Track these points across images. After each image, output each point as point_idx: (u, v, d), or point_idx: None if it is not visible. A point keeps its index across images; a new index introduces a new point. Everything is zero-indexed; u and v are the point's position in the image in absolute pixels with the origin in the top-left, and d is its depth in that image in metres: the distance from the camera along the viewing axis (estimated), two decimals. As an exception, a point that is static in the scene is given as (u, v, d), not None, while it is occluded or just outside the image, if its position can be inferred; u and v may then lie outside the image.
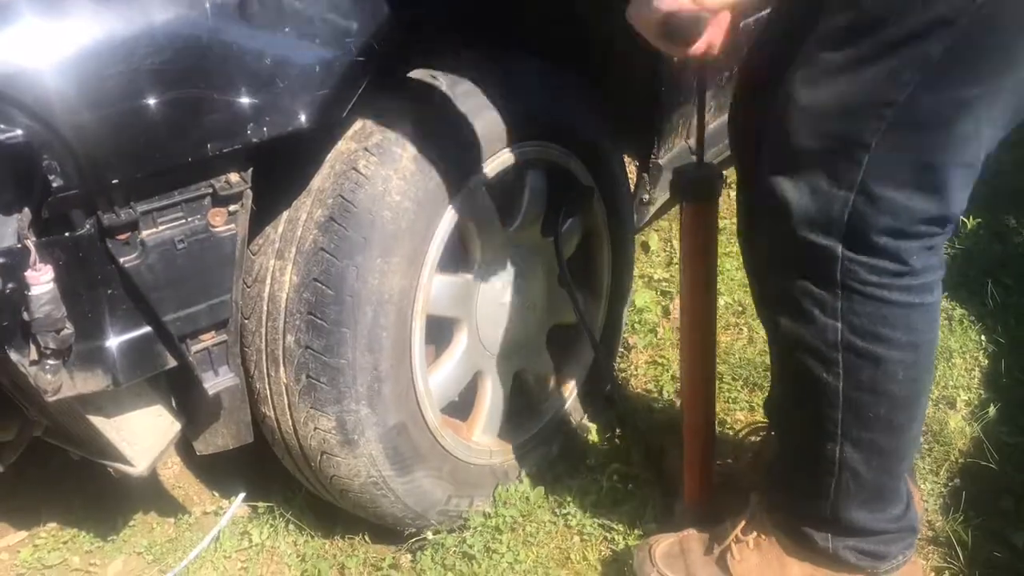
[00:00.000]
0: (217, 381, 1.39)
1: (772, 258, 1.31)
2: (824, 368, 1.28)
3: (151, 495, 1.97)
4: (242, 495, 1.84)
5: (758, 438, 1.82)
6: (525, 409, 1.97)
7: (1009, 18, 1.09)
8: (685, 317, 1.56)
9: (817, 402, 1.31)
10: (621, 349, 2.31)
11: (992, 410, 2.00)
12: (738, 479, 1.69)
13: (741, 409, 2.10)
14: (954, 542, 1.66)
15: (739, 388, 2.16)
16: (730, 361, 2.27)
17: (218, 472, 2.01)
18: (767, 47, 1.44)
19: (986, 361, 2.21)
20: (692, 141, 2.11)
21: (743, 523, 1.49)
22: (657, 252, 2.80)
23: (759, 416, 2.03)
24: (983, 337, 2.29)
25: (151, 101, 1.16)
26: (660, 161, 2.07)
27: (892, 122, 1.14)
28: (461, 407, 1.85)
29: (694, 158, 2.34)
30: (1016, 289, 2.49)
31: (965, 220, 2.90)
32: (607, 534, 1.77)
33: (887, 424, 1.31)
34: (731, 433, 1.98)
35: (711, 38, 1.18)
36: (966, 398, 2.07)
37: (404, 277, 1.50)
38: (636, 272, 2.39)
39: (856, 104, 1.15)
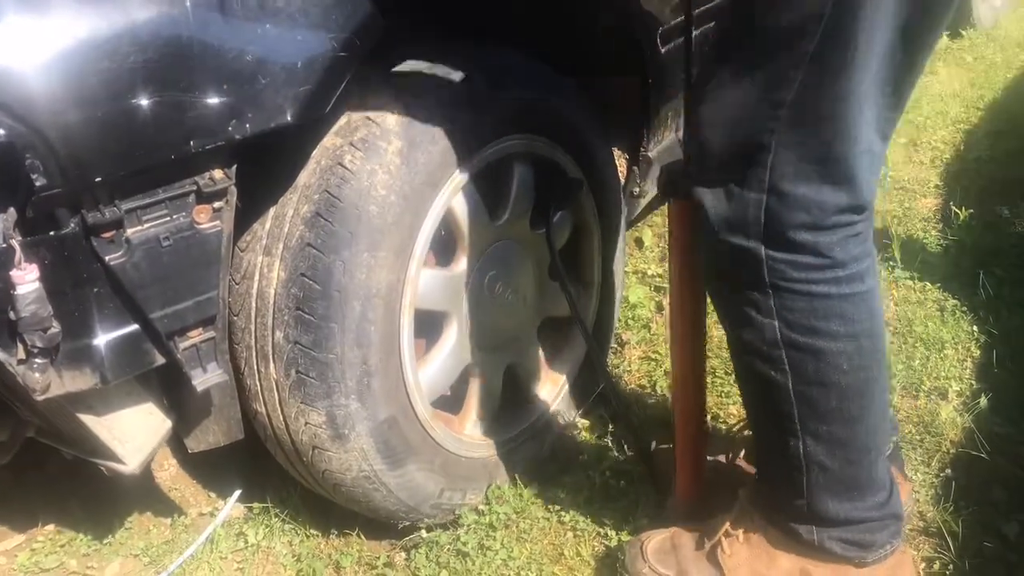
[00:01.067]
0: (206, 378, 1.39)
1: (707, 266, 1.35)
2: (770, 366, 1.31)
3: (147, 497, 1.97)
4: (236, 495, 1.84)
5: (750, 433, 1.81)
6: (516, 403, 1.97)
7: (862, 5, 1.12)
8: (675, 313, 1.57)
9: (772, 400, 1.34)
10: (614, 345, 2.32)
11: (983, 401, 2.00)
12: (730, 474, 1.70)
13: (735, 403, 2.11)
14: (945, 533, 1.66)
15: (731, 382, 2.17)
16: (722, 355, 2.27)
17: (213, 474, 2.02)
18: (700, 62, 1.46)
19: (978, 352, 2.21)
20: (681, 134, 2.12)
21: (732, 518, 1.50)
22: (651, 248, 2.80)
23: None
24: (975, 328, 2.30)
25: (134, 99, 1.17)
26: (650, 154, 2.07)
27: (787, 121, 1.17)
28: (452, 401, 1.85)
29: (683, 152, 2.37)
30: (1008, 280, 2.50)
31: (957, 211, 2.91)
32: (600, 530, 1.78)
33: (841, 415, 1.32)
34: (723, 428, 1.98)
35: None
36: (958, 389, 2.07)
37: (391, 271, 1.50)
38: (630, 268, 2.40)
39: (751, 109, 1.19)
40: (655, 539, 1.58)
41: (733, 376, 2.17)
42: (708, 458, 1.69)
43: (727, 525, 1.50)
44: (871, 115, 1.20)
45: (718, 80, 1.22)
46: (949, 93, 4.22)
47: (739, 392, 1.51)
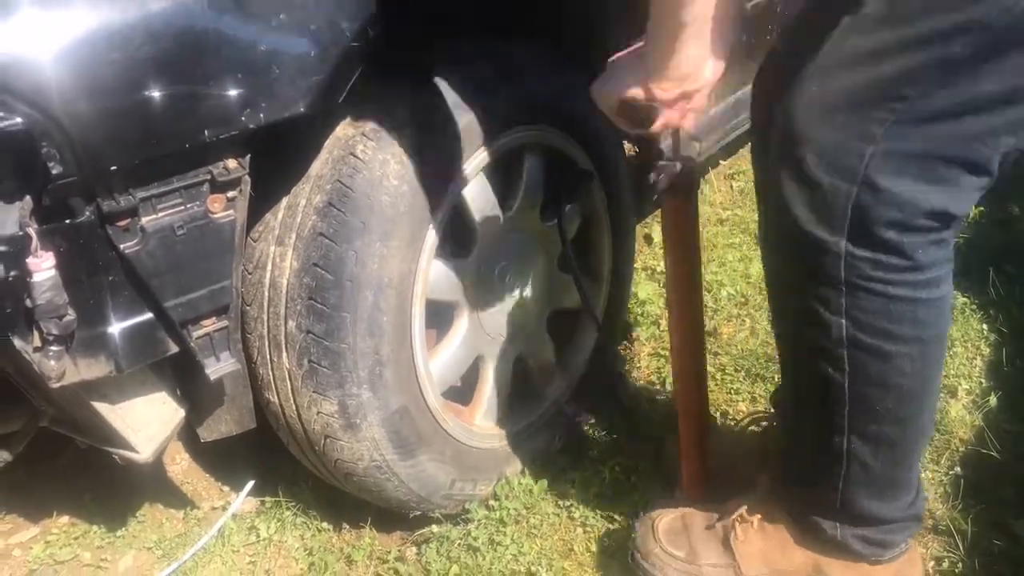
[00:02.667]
0: (219, 367, 1.40)
1: (777, 255, 1.30)
2: (830, 365, 1.27)
3: (160, 491, 1.99)
4: (248, 489, 1.85)
5: (759, 428, 1.82)
6: (527, 394, 1.97)
7: None
8: (672, 309, 1.57)
9: (824, 397, 1.30)
10: (624, 341, 2.32)
11: (993, 399, 2.00)
12: (739, 468, 1.69)
13: (743, 400, 2.11)
14: (954, 531, 1.66)
15: (741, 379, 2.17)
16: (732, 352, 2.27)
17: (225, 468, 2.03)
18: (790, 43, 1.38)
19: (988, 350, 2.21)
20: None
21: (748, 504, 1.50)
22: (660, 244, 2.80)
23: (760, 406, 2.04)
24: (985, 326, 2.29)
25: (149, 89, 1.17)
26: (661, 146, 2.07)
27: (901, 116, 1.12)
28: (463, 392, 1.85)
29: (695, 144, 2.37)
30: (1019, 278, 2.48)
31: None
32: (610, 526, 1.78)
33: (895, 417, 1.29)
34: (733, 424, 1.98)
35: (669, 120, 1.20)
36: (967, 387, 2.07)
37: (403, 261, 1.51)
38: (639, 264, 2.41)
39: (868, 97, 1.13)
40: (666, 518, 1.57)
41: (742, 372, 2.18)
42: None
43: (743, 510, 1.50)
44: (998, 133, 1.13)
45: (842, 58, 1.15)
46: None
47: (783, 382, 1.48)
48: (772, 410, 1.79)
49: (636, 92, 1.18)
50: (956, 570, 1.60)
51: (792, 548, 1.46)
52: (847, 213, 1.16)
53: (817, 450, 1.37)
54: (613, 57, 1.28)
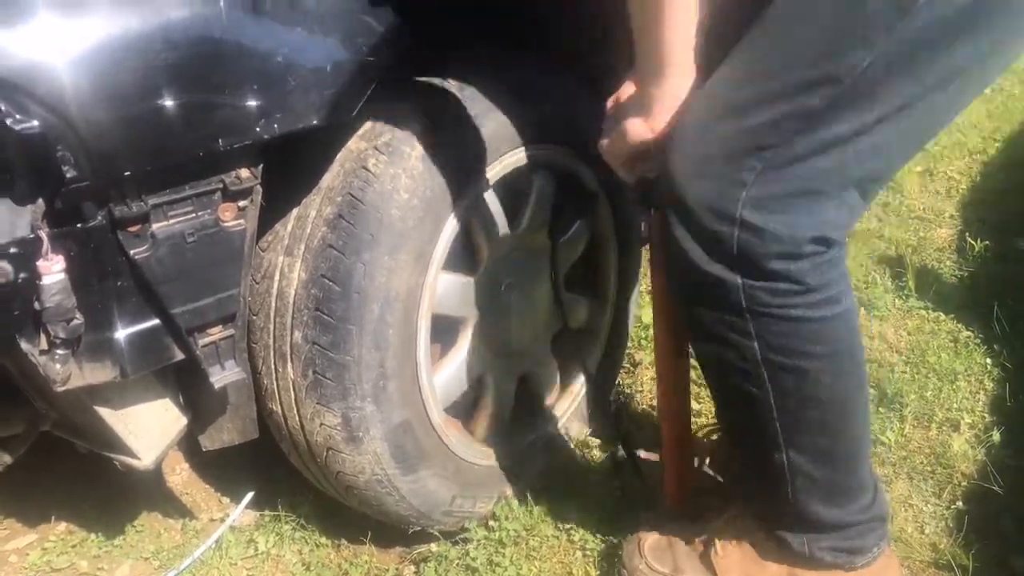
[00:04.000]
0: (224, 375, 1.39)
1: (682, 289, 1.35)
2: (751, 384, 1.32)
3: (159, 501, 1.98)
4: (246, 501, 1.84)
5: (716, 437, 1.86)
6: (529, 413, 1.97)
7: (890, 77, 1.15)
8: (658, 324, 1.58)
9: (753, 414, 1.35)
10: (627, 365, 2.32)
11: (996, 434, 2.00)
12: (708, 476, 1.75)
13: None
14: (955, 565, 1.65)
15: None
16: None
17: (225, 479, 2.03)
18: None
19: (991, 384, 2.21)
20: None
21: (724, 519, 1.54)
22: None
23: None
24: (988, 360, 2.29)
25: (164, 97, 1.18)
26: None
27: (768, 163, 1.19)
28: (465, 408, 1.86)
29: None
30: (1022, 312, 2.49)
31: (972, 242, 2.91)
32: (610, 550, 1.77)
33: (824, 427, 1.34)
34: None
35: None
36: (970, 421, 2.07)
37: (411, 275, 1.51)
38: (643, 287, 2.41)
39: (738, 147, 1.20)
40: (652, 537, 1.60)
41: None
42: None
43: (720, 526, 1.53)
44: (840, 162, 1.21)
45: (703, 117, 1.24)
46: (967, 124, 4.22)
47: (715, 409, 1.52)
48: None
49: (642, 134, 1.28)
50: (957, 604, 1.60)
51: (768, 561, 1.49)
52: (734, 251, 1.22)
53: (761, 467, 1.40)
54: (608, 108, 1.38)
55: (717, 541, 1.53)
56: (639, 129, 1.29)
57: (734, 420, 1.44)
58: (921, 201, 3.39)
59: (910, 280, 2.67)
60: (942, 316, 2.52)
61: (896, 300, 2.62)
